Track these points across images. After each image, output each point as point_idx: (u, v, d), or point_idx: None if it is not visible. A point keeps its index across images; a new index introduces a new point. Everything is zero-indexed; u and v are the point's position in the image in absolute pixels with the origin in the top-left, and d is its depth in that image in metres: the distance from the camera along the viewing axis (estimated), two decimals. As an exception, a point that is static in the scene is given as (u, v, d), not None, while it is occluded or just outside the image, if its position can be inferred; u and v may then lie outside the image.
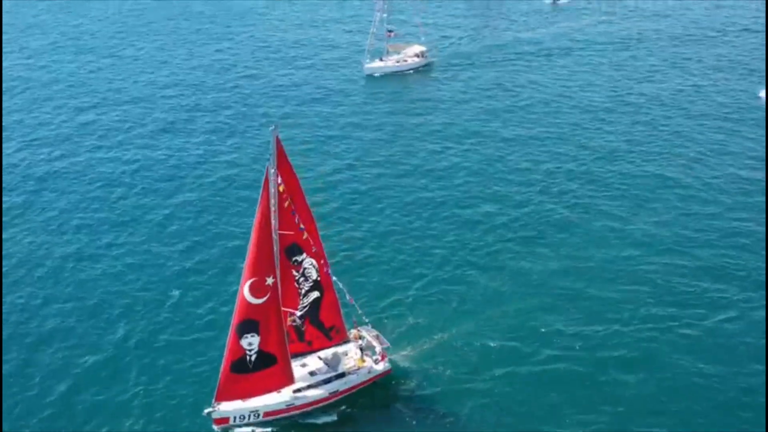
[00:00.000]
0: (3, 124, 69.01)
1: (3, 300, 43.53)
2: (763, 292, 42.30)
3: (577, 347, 38.46)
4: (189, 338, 40.31)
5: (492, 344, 38.82)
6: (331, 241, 45.75)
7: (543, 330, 39.82)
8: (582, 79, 78.96)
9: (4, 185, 57.35)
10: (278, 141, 32.22)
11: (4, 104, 74.14)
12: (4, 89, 78.23)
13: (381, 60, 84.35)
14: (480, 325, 40.30)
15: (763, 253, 46.22)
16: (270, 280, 33.25)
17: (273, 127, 31.96)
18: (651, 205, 52.76)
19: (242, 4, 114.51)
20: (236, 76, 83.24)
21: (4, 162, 61.14)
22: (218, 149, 64.35)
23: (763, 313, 40.61)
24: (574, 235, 49.21)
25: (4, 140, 65.54)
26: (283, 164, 32.91)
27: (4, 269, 46.48)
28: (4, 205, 54.21)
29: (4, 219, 52.40)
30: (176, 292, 43.99)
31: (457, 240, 49.11)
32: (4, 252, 48.33)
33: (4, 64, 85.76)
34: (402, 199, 54.92)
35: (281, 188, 32.92)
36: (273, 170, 32.48)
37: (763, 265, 44.83)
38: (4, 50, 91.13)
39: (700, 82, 76.84)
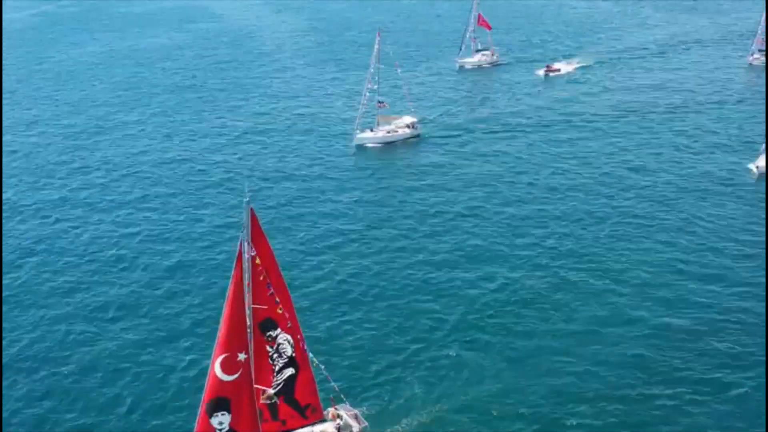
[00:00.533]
0: None
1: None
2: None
3: None
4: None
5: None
6: (307, 315, 44.99)
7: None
8: (576, 152, 78.99)
9: None
10: (253, 213, 31.71)
11: None
12: None
13: (372, 131, 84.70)
14: (464, 406, 39.12)
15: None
16: (242, 356, 32.28)
17: (247, 199, 31.44)
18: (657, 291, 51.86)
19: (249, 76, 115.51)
20: (222, 145, 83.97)
21: None
22: (199, 217, 64.01)
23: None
24: (571, 313, 48.30)
25: None
26: (258, 237, 32.33)
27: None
28: None
29: None
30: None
31: (443, 316, 48.17)
32: None
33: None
34: (383, 275, 54.06)
35: (257, 261, 32.25)
36: (246, 243, 31.87)
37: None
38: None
39: (692, 155, 76.83)
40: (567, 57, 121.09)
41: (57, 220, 64.76)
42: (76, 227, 63.34)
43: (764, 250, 55.70)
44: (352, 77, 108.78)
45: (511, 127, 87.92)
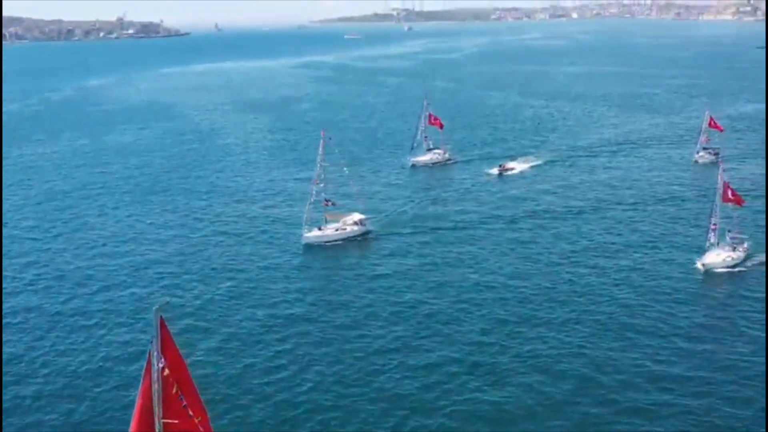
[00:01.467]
0: None
1: None
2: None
3: None
4: None
5: None
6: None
7: None
8: (527, 250, 78.30)
9: None
10: (162, 322, 29.79)
11: None
12: None
13: (319, 229, 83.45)
14: None
15: None
16: (150, 476, 29.70)
17: (156, 306, 29.57)
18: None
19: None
20: (159, 244, 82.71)
21: None
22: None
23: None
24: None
25: None
26: (168, 346, 30.28)
27: None
28: None
29: None
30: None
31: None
32: None
33: None
34: (313, 389, 51.76)
35: (165, 372, 30.11)
36: (156, 353, 29.80)
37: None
38: None
39: (641, 253, 76.66)
40: (522, 155, 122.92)
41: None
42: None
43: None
44: (302, 174, 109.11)
45: (462, 224, 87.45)
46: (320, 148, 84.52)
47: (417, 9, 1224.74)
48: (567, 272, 71.67)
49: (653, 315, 61.89)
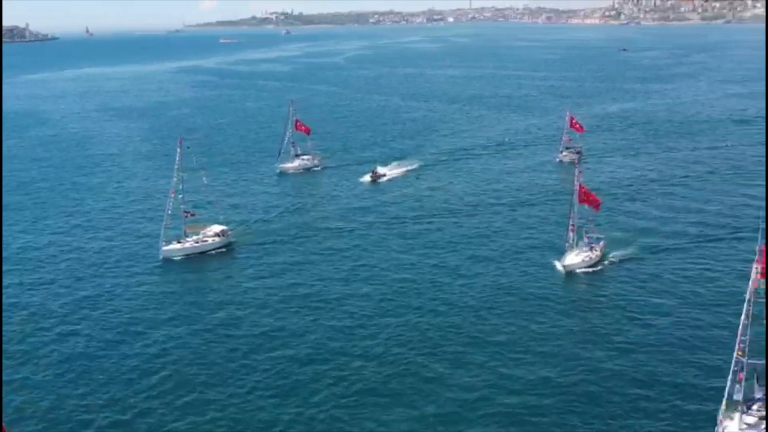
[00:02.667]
0: None
1: None
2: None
3: None
4: None
5: None
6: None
7: None
8: (395, 256, 77.14)
9: None
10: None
11: None
12: None
13: (179, 242, 79.41)
14: None
15: None
16: None
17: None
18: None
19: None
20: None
21: None
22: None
23: None
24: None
25: None
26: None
27: None
28: None
29: None
30: None
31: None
32: None
33: None
34: (174, 405, 48.51)
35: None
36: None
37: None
38: None
39: (504, 255, 77.03)
40: (398, 159, 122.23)
41: None
42: None
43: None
44: (159, 186, 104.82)
45: (328, 232, 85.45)
46: (177, 157, 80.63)
47: (296, 13, 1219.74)
48: (432, 277, 70.96)
49: (514, 316, 61.94)
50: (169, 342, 58.40)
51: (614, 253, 74.84)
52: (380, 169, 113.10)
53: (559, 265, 71.92)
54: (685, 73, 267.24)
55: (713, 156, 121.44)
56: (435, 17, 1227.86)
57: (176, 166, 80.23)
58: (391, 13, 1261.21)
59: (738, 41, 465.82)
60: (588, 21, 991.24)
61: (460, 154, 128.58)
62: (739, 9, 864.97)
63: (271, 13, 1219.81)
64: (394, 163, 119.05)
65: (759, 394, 44.66)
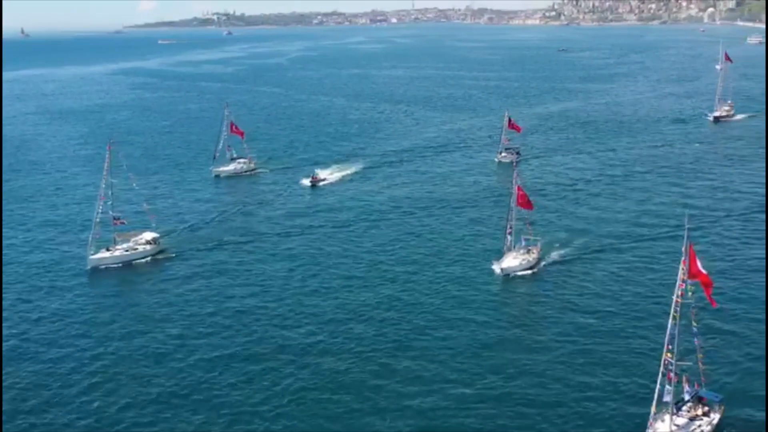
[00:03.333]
0: None
1: None
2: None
3: None
4: None
5: None
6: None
7: None
8: (329, 261, 75.88)
9: None
10: None
11: None
12: None
13: (108, 250, 76.81)
14: None
15: None
16: None
17: None
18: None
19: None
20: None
21: None
22: None
23: None
24: None
25: None
26: None
27: None
28: None
29: None
30: None
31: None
32: None
33: None
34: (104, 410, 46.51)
35: None
36: None
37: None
38: None
39: (444, 256, 76.49)
40: (341, 162, 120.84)
41: None
42: None
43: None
44: (86, 193, 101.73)
45: (263, 238, 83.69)
46: (106, 163, 78.05)
47: (238, 14, 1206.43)
48: (368, 282, 69.93)
49: (450, 320, 61.20)
50: (89, 353, 56.19)
51: (551, 255, 74.89)
52: (321, 173, 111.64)
53: (497, 268, 71.52)
54: (624, 73, 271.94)
55: (651, 155, 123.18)
56: (378, 18, 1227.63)
57: (105, 172, 77.62)
58: (334, 14, 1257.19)
59: (673, 41, 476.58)
60: (529, 22, 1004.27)
61: (403, 155, 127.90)
62: (674, 10, 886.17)
63: (213, 14, 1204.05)
64: (336, 166, 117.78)
65: (688, 395, 44.80)
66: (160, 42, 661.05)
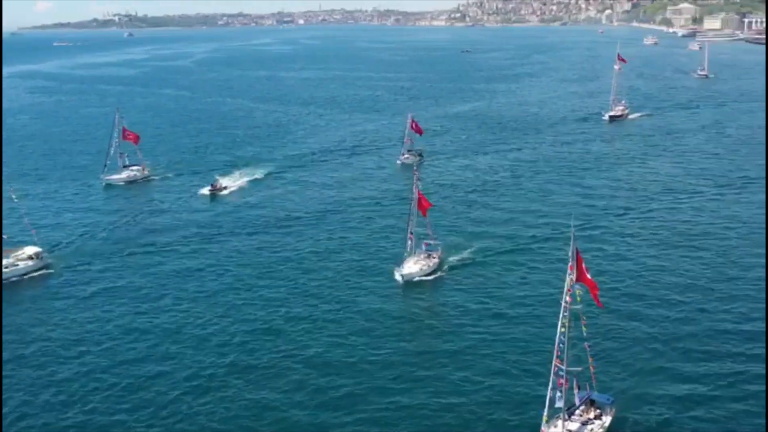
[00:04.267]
0: None
1: None
2: None
3: None
4: None
5: None
6: None
7: None
8: (225, 276, 73.12)
9: None
10: None
11: None
12: None
13: (-17, 267, 71.98)
14: None
15: None
16: None
17: None
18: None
19: None
20: None
21: None
22: None
23: None
24: None
25: None
26: None
27: None
28: None
29: None
30: None
31: None
32: None
33: None
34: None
35: None
36: None
37: None
38: None
39: (345, 265, 75.07)
40: (245, 167, 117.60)
41: None
42: None
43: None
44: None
45: (155, 249, 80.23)
46: (-19, 175, 73.22)
47: (141, 14, 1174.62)
48: (266, 292, 67.85)
49: (349, 330, 60.00)
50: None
51: (452, 259, 74.54)
52: (223, 180, 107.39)
53: (397, 275, 70.44)
54: (528, 73, 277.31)
55: (551, 155, 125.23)
56: (285, 19, 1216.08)
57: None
58: (240, 15, 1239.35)
59: (574, 42, 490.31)
60: (435, 23, 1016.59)
61: (309, 159, 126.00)
62: (574, 12, 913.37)
63: (114, 15, 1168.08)
64: (241, 172, 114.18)
65: (580, 399, 44.80)
66: (55, 44, 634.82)
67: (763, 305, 61.70)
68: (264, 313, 63.36)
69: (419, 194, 72.65)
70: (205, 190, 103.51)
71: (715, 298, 64.41)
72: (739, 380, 50.54)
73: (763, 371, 50.64)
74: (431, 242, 74.18)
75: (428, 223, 74.70)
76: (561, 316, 41.97)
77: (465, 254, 75.90)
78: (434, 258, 73.02)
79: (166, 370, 53.72)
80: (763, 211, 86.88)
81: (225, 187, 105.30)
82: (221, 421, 47.27)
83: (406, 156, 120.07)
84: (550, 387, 42.32)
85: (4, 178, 74.87)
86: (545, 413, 42.48)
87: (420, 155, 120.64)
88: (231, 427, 46.71)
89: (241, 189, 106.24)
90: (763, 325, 58.11)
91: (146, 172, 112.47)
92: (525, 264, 73.75)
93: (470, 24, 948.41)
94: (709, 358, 53.66)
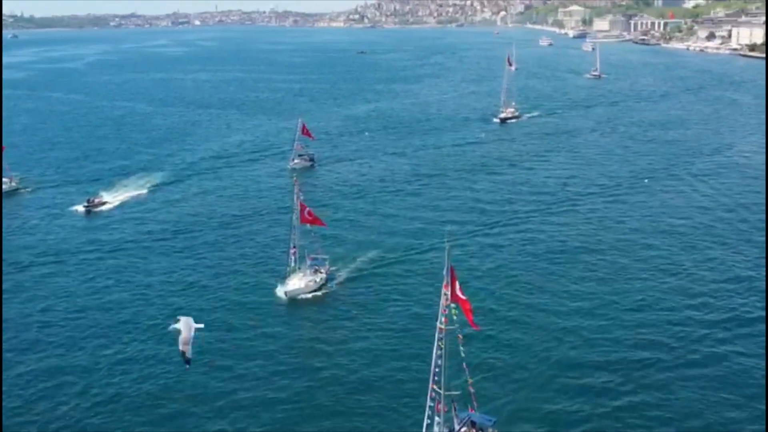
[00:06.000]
0: None
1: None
2: None
3: None
4: None
5: None
6: None
7: None
8: (95, 298, 68.89)
9: None
10: None
11: None
12: None
13: None
14: None
15: None
16: None
17: None
18: None
19: None
20: None
21: None
22: None
23: None
24: None
25: None
26: None
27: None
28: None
29: None
30: None
31: None
32: None
33: None
34: None
35: None
36: None
37: None
38: None
39: (226, 279, 71.96)
40: (132, 175, 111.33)
41: None
42: None
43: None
44: None
45: (18, 271, 74.76)
46: None
47: (27, 15, 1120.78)
48: (136, 316, 63.93)
49: (235, 349, 57.49)
50: None
51: (340, 273, 72.32)
52: (101, 196, 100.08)
53: (280, 292, 67.86)
54: (428, 74, 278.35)
55: (444, 157, 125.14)
56: (180, 20, 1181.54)
57: None
58: (133, 16, 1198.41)
59: (471, 43, 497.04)
60: (334, 24, 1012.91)
61: (202, 166, 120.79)
62: (470, 13, 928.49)
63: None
64: (128, 181, 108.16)
65: (459, 422, 43.49)
66: None
67: (651, 313, 62.30)
68: (134, 336, 59.76)
69: (301, 205, 69.97)
70: (80, 207, 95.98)
71: (601, 305, 64.48)
72: (621, 391, 50.52)
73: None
74: (317, 256, 71.55)
75: (315, 234, 72.24)
76: (436, 338, 40.39)
77: (353, 266, 73.75)
78: (321, 273, 70.48)
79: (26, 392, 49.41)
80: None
81: (104, 203, 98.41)
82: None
83: (296, 161, 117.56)
84: (426, 414, 40.67)
85: None
86: (421, 439, 40.58)
87: (312, 160, 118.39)
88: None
89: (122, 204, 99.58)
90: (660, 333, 58.53)
91: (14, 184, 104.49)
92: (411, 275, 71.68)
93: (369, 25, 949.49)
94: (591, 371, 53.14)
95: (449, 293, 40.43)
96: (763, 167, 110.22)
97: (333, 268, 72.16)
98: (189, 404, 50.03)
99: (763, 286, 66.30)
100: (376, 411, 48.64)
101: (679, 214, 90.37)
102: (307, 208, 70.40)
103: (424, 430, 40.48)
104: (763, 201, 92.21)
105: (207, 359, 55.15)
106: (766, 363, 40.60)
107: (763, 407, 38.74)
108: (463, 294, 40.53)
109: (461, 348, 41.70)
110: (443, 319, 40.10)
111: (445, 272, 40.61)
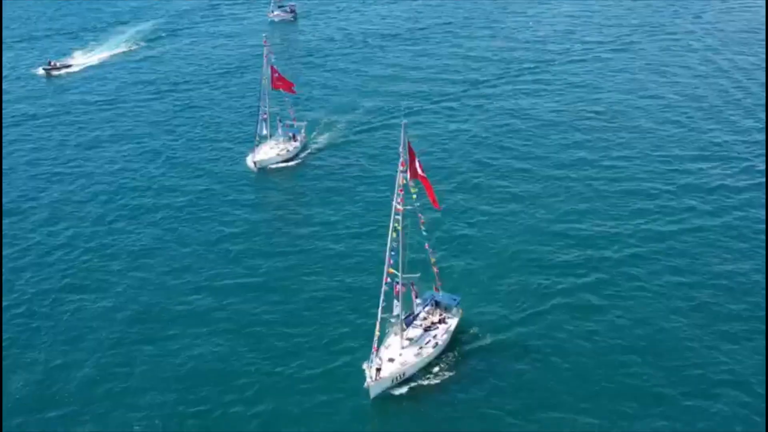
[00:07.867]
0: None
1: None
2: None
3: None
4: None
5: None
6: None
7: None
8: (82, 171, 65.85)
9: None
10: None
11: None
12: None
13: None
14: None
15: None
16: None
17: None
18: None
19: None
20: None
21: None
22: None
23: None
24: None
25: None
26: None
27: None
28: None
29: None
30: None
31: None
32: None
33: None
34: None
35: None
36: None
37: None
38: None
39: (195, 148, 68.69)
40: (92, 42, 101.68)
41: None
42: None
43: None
44: None
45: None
46: None
47: None
48: (107, 188, 61.37)
49: (205, 224, 55.11)
50: None
51: (316, 140, 68.55)
52: (63, 59, 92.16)
53: (249, 162, 64.50)
54: None
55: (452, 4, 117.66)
56: None
57: None
58: None
59: None
60: None
61: (173, 26, 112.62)
62: None
63: None
64: (80, 51, 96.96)
65: (422, 303, 41.41)
66: None
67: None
68: (102, 212, 57.39)
69: (272, 68, 65.10)
70: (40, 69, 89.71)
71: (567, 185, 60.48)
72: (587, 268, 48.33)
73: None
74: (292, 123, 67.41)
75: (288, 101, 67.78)
76: (392, 219, 37.34)
77: (330, 134, 69.81)
78: (294, 142, 66.67)
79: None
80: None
81: (68, 66, 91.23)
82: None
83: (276, 13, 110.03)
84: (381, 298, 37.73)
85: None
86: (376, 330, 37.66)
87: (293, 11, 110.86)
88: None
89: (91, 67, 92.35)
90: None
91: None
92: (390, 142, 66.39)
93: None
94: (557, 250, 50.52)
95: (408, 171, 37.18)
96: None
97: (309, 135, 68.42)
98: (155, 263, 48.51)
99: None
100: (334, 288, 46.70)
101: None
102: (277, 72, 65.81)
103: (379, 312, 37.79)
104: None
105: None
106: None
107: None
108: (423, 171, 37.28)
109: (422, 227, 38.88)
110: (399, 199, 36.99)
111: (401, 149, 37.18)
